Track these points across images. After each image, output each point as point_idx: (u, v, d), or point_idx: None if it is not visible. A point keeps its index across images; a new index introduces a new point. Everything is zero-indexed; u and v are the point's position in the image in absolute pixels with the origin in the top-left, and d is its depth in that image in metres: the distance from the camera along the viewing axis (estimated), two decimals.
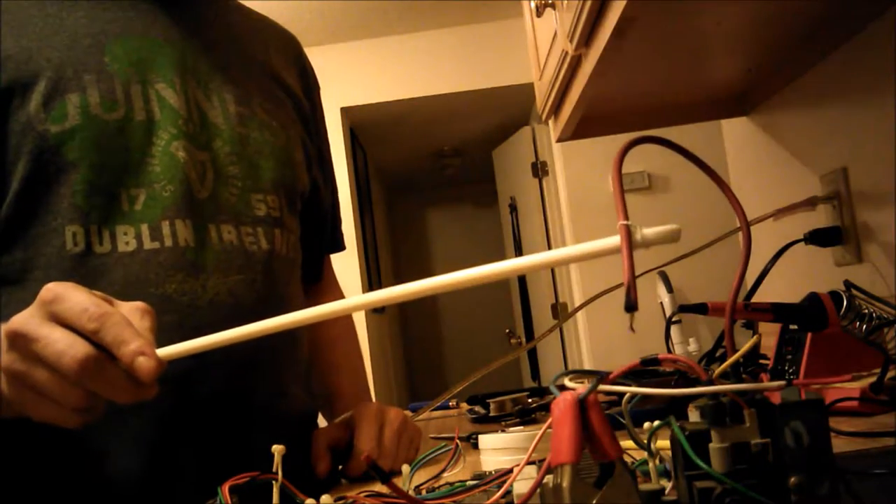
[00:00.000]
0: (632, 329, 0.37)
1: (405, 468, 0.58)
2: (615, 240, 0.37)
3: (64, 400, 0.52)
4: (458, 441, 0.63)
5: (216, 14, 0.89)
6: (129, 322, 0.51)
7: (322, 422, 0.98)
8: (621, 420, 0.47)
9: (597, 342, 2.81)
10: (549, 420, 0.40)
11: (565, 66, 1.14)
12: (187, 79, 0.81)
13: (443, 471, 0.66)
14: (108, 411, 0.55)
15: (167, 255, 0.73)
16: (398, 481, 0.46)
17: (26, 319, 0.52)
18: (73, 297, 0.52)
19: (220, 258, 0.77)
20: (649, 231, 0.36)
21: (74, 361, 0.50)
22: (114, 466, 0.70)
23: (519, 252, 4.25)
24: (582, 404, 0.39)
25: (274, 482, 0.46)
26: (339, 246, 1.10)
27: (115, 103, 0.75)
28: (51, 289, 0.52)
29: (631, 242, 0.36)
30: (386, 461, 0.79)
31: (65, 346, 0.50)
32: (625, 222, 0.35)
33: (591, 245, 0.38)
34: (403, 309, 6.17)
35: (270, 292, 0.81)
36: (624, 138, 0.46)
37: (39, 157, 0.71)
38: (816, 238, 1.21)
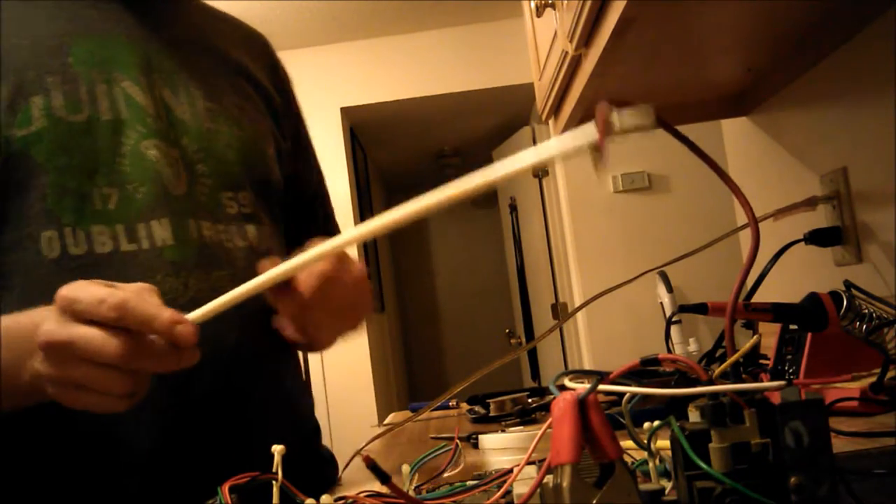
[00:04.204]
0: (598, 168, 0.38)
1: (405, 468, 0.58)
2: (591, 125, 0.38)
3: (112, 389, 0.54)
4: (458, 441, 0.64)
5: (180, 12, 0.88)
6: (146, 299, 0.54)
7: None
8: (621, 420, 0.47)
9: (597, 342, 2.81)
10: (549, 420, 0.40)
11: (565, 66, 1.14)
12: (153, 76, 0.80)
13: (443, 471, 0.66)
14: (102, 415, 0.57)
15: (145, 256, 0.73)
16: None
17: (53, 329, 0.54)
18: (86, 293, 0.54)
19: (200, 255, 0.76)
20: (625, 111, 0.37)
21: (117, 350, 0.53)
22: (112, 467, 0.70)
23: (519, 252, 4.25)
24: (582, 404, 0.39)
25: (274, 482, 0.46)
26: (332, 234, 1.07)
27: (80, 104, 0.74)
28: (62, 295, 0.54)
29: (607, 115, 0.37)
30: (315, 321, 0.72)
31: (101, 340, 0.53)
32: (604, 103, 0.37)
33: (572, 134, 0.39)
34: (403, 309, 6.18)
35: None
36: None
37: (6, 162, 0.70)
38: (816, 238, 1.21)
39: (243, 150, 0.84)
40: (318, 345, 0.82)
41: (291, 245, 0.94)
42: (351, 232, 0.54)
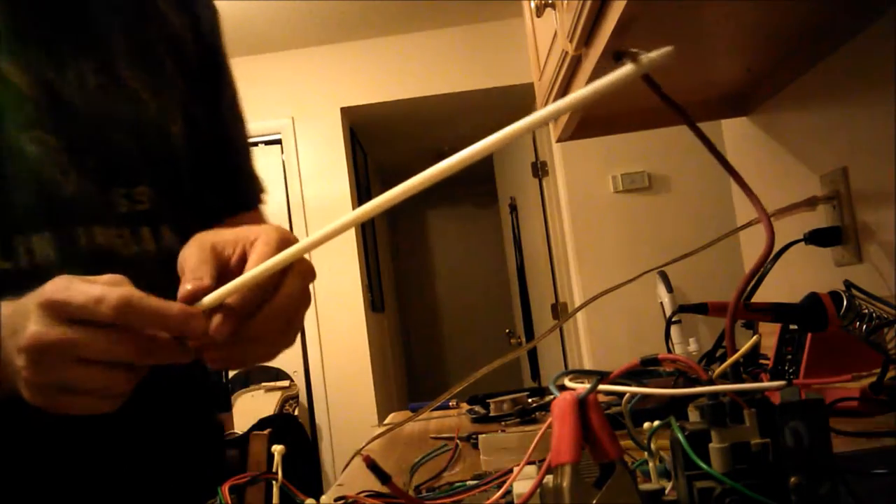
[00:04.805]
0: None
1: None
2: (627, 67, 0.38)
3: (113, 388, 0.50)
4: (458, 441, 0.64)
5: None
6: (145, 295, 0.49)
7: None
8: (621, 420, 0.47)
9: (597, 342, 2.81)
10: (549, 420, 0.40)
11: (565, 66, 1.14)
12: (33, 51, 0.67)
13: (443, 471, 0.66)
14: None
15: (23, 277, 0.61)
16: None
17: (44, 331, 0.48)
18: (78, 293, 0.48)
19: (90, 270, 0.64)
20: (653, 54, 0.38)
21: (127, 348, 0.48)
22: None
23: (519, 252, 4.25)
24: (582, 404, 0.39)
25: (274, 482, 0.46)
26: (251, 203, 0.90)
27: None
28: (50, 299, 0.49)
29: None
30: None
31: (106, 338, 0.48)
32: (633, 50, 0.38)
33: (605, 79, 0.39)
34: (403, 309, 6.17)
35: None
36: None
37: None
38: (816, 238, 1.21)
39: (141, 135, 0.72)
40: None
41: (211, 215, 0.81)
42: (342, 218, 0.47)
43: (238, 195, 0.89)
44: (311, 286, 0.57)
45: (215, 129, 0.84)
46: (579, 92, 0.39)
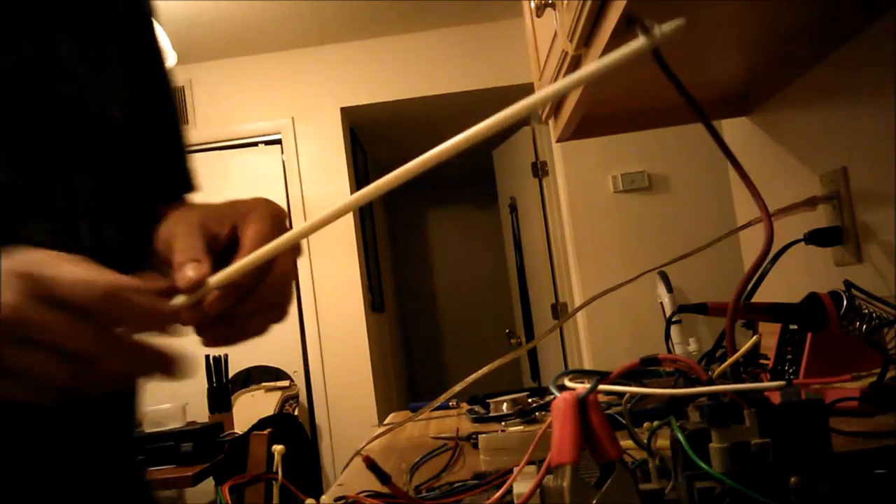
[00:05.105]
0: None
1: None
2: (638, 41, 0.37)
3: (54, 380, 0.45)
4: (458, 441, 0.64)
5: None
6: (134, 282, 0.46)
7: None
8: (621, 420, 0.47)
9: (597, 342, 2.81)
10: (549, 420, 0.40)
11: (565, 66, 1.14)
12: None
13: (443, 471, 0.66)
14: None
15: None
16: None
17: (19, 303, 0.44)
18: (65, 272, 0.45)
19: None
20: (665, 27, 0.37)
21: (88, 343, 0.45)
22: None
23: (519, 252, 4.25)
24: (582, 404, 0.39)
25: (274, 482, 0.46)
26: (181, 191, 0.82)
27: None
28: (32, 272, 0.45)
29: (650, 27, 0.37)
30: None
31: (70, 328, 0.44)
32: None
33: (616, 53, 0.38)
34: (403, 309, 6.18)
35: None
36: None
37: None
38: (816, 238, 1.21)
39: (81, 118, 0.66)
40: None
41: (150, 205, 0.74)
42: (339, 203, 0.46)
43: (178, 186, 0.82)
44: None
45: (156, 115, 0.79)
46: (590, 66, 0.38)
